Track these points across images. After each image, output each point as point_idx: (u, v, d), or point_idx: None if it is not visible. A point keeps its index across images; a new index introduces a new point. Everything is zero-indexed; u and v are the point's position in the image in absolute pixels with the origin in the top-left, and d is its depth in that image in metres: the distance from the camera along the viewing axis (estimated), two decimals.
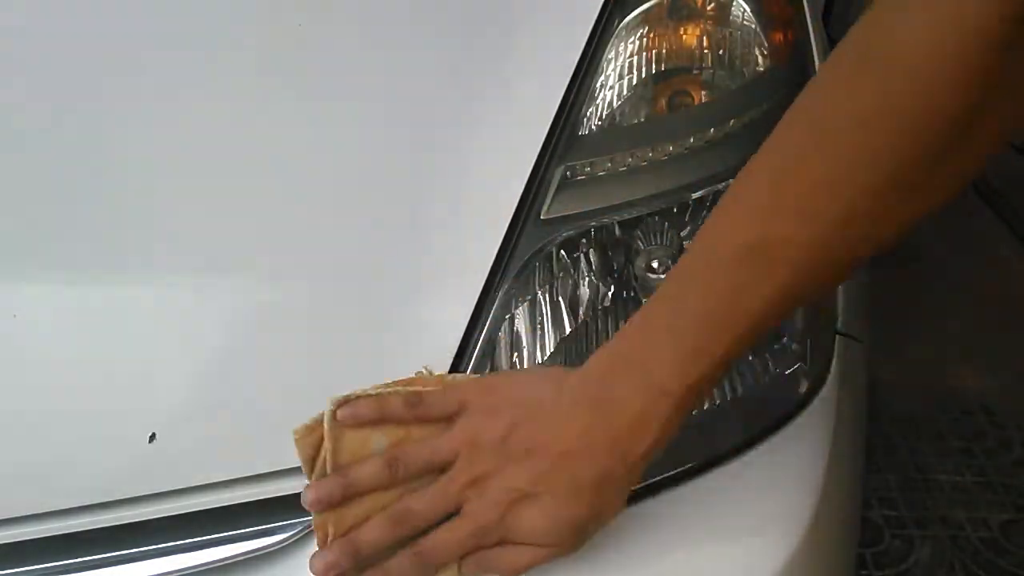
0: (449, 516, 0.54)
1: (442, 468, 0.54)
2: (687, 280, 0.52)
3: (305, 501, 0.53)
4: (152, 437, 0.57)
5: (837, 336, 0.74)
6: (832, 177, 0.47)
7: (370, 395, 0.54)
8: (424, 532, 0.54)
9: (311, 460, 0.54)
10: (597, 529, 0.55)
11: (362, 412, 0.53)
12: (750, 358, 0.70)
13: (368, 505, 0.54)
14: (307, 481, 0.54)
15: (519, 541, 0.53)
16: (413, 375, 0.57)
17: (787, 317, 0.59)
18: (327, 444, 0.53)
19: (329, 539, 0.53)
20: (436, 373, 0.58)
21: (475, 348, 0.63)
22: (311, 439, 0.54)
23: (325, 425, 0.53)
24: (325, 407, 0.53)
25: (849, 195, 0.47)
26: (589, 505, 0.52)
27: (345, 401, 0.54)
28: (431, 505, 0.53)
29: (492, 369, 0.64)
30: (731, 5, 0.73)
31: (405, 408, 0.54)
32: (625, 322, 0.54)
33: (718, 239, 0.51)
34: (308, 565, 0.53)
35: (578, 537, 0.54)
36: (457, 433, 0.54)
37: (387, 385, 0.56)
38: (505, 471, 0.52)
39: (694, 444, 0.68)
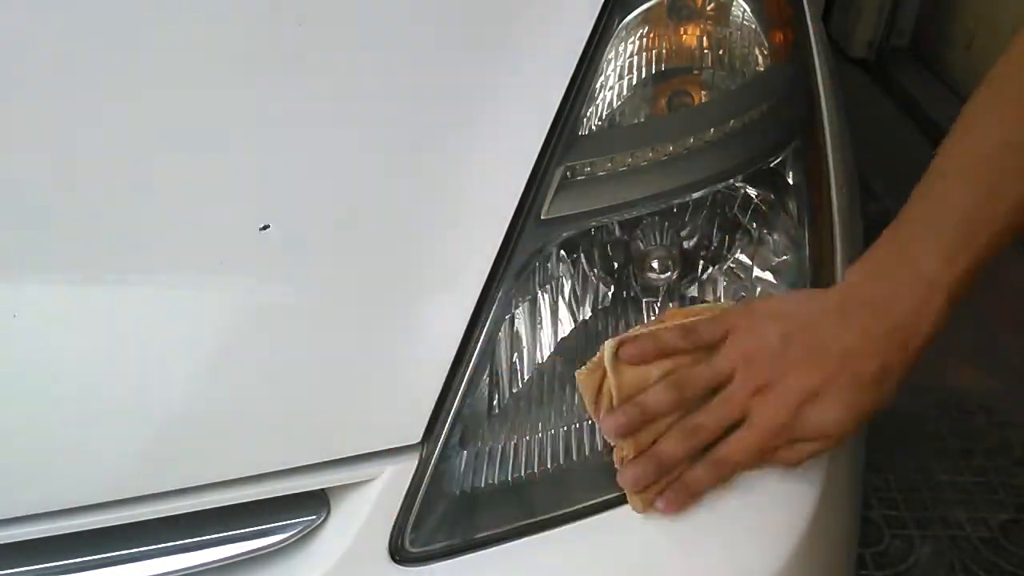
0: (732, 428, 0.58)
1: (719, 387, 0.58)
2: (944, 180, 0.55)
3: (608, 430, 0.58)
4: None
5: None
6: None
7: (645, 333, 0.59)
8: (709, 446, 0.58)
9: (595, 398, 0.60)
10: (875, 417, 0.59)
11: (646, 348, 0.58)
12: None
13: (655, 429, 0.59)
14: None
15: (805, 438, 0.57)
16: (664, 314, 0.63)
17: None
18: (611, 380, 0.58)
19: (625, 462, 0.59)
20: (688, 307, 0.63)
21: (475, 348, 0.63)
22: (593, 379, 0.60)
23: (607, 365, 0.58)
24: (605, 350, 0.59)
25: None
26: (872, 398, 0.57)
27: (623, 341, 0.59)
28: (719, 417, 0.57)
29: (492, 369, 0.64)
30: (731, 5, 0.73)
31: (680, 339, 0.58)
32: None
33: (978, 140, 0.55)
34: (618, 478, 0.58)
35: (860, 425, 0.58)
36: (731, 351, 0.57)
37: (654, 322, 0.61)
38: (789, 376, 0.56)
39: None
